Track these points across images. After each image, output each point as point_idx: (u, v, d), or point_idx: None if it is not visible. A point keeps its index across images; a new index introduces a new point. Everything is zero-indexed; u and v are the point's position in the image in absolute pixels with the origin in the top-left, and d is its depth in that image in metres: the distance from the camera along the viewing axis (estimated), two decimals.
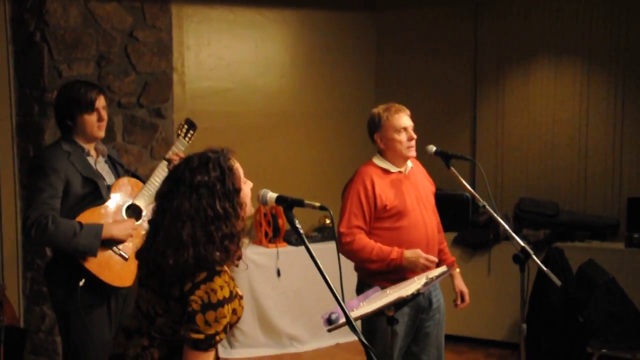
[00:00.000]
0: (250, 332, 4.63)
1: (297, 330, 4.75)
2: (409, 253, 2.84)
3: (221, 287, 1.77)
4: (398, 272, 2.84)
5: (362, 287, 2.94)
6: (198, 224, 1.77)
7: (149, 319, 1.88)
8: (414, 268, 2.83)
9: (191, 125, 3.07)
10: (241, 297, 1.94)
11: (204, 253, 1.77)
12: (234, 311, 1.87)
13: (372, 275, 2.92)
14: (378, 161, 3.00)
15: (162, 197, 1.85)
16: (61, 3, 4.15)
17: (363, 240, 2.88)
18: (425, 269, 2.83)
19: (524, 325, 2.79)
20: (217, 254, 1.79)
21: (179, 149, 2.98)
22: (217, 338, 1.79)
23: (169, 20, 4.59)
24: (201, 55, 4.89)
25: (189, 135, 3.05)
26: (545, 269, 2.73)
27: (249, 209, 1.91)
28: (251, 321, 4.61)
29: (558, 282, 2.72)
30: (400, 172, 2.99)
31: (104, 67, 4.32)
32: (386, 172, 2.97)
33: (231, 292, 1.81)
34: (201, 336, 1.76)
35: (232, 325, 1.90)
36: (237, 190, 1.84)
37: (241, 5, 5.03)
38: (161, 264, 1.80)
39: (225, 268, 1.84)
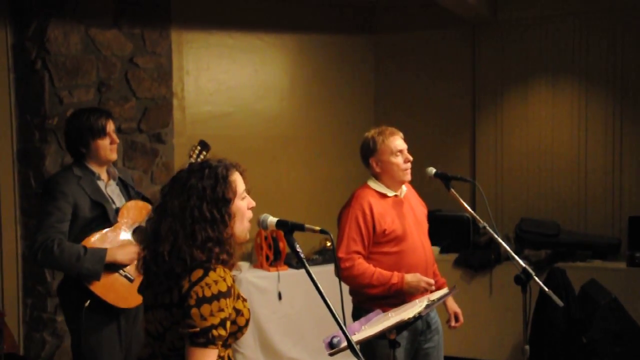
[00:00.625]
0: (252, 356, 4.60)
1: (298, 353, 4.72)
2: (409, 277, 2.83)
3: (215, 282, 1.79)
4: (397, 297, 2.83)
5: (359, 313, 2.90)
6: (180, 221, 1.82)
7: (160, 339, 1.88)
8: (415, 292, 2.83)
9: (204, 146, 3.13)
10: (245, 300, 1.94)
11: (184, 248, 1.80)
12: (239, 312, 1.87)
13: (371, 299, 2.89)
14: (374, 184, 2.98)
15: (160, 195, 1.92)
16: (62, 30, 4.19)
17: (362, 265, 2.86)
18: (425, 292, 2.82)
19: (527, 347, 2.77)
20: (199, 252, 1.81)
21: None
22: (215, 333, 1.78)
23: (169, 45, 4.63)
24: (201, 80, 4.93)
25: (200, 157, 3.10)
26: (547, 289, 2.72)
27: (245, 225, 1.92)
28: (252, 344, 4.58)
29: (560, 303, 2.71)
30: (396, 195, 2.99)
31: (104, 93, 4.35)
32: (383, 196, 2.96)
33: (229, 287, 1.81)
34: (196, 330, 1.77)
35: (240, 329, 1.89)
36: (227, 200, 1.86)
37: (240, 30, 5.08)
38: (153, 265, 1.85)
39: (222, 267, 1.84)
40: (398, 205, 2.97)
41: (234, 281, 1.87)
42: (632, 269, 4.43)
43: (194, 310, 1.76)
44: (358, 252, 2.87)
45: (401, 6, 5.51)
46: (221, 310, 1.78)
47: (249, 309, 1.95)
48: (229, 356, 1.95)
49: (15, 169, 4.28)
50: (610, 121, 4.92)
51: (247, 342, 4.56)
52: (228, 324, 1.83)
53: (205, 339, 1.77)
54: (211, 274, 1.80)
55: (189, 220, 1.82)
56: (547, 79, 5.10)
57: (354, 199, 2.96)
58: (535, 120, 5.14)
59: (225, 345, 1.91)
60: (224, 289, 1.80)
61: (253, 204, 1.96)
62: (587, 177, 4.97)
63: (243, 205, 1.92)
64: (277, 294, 4.65)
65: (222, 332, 1.80)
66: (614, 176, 4.89)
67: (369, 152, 2.98)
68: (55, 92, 4.19)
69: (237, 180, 1.91)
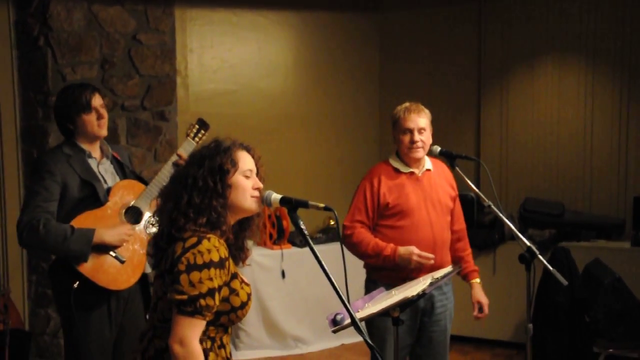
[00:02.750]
0: (255, 334, 4.62)
1: (302, 331, 4.75)
2: (402, 250, 2.85)
3: (209, 250, 1.80)
4: (400, 270, 2.86)
5: (367, 284, 2.99)
6: (175, 185, 1.91)
7: (154, 309, 1.90)
8: (407, 265, 2.84)
9: (203, 124, 3.04)
10: (245, 283, 1.94)
11: (174, 212, 1.86)
12: (233, 291, 1.87)
13: (378, 271, 2.95)
14: (392, 160, 3.04)
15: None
16: (65, 7, 4.16)
17: (362, 234, 2.93)
18: (420, 266, 2.82)
19: (530, 325, 2.78)
20: (180, 217, 1.85)
21: (187, 150, 2.93)
22: (202, 302, 1.78)
23: (172, 23, 4.59)
24: (204, 58, 4.89)
25: (199, 135, 3.02)
26: (551, 268, 2.71)
27: (248, 200, 1.94)
28: (256, 323, 4.61)
29: (564, 282, 2.71)
30: (412, 172, 2.99)
31: (107, 70, 4.32)
32: (397, 171, 3.00)
33: (222, 258, 1.83)
34: (184, 297, 1.77)
35: (234, 309, 1.88)
36: (224, 171, 1.89)
37: (244, 7, 5.03)
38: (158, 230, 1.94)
39: (217, 238, 1.86)
40: (412, 182, 2.98)
41: (229, 257, 1.87)
42: (636, 248, 4.42)
43: (183, 276, 1.78)
44: (361, 222, 2.95)
45: None
46: (210, 279, 1.79)
47: (248, 294, 1.93)
48: (221, 339, 1.93)
49: (19, 147, 4.28)
50: (616, 101, 4.88)
51: (251, 320, 4.58)
52: (217, 296, 1.82)
53: (192, 307, 1.78)
54: (204, 242, 1.82)
55: (181, 185, 1.88)
56: (553, 58, 5.05)
57: (368, 172, 3.06)
58: (541, 100, 5.10)
59: (217, 325, 1.89)
60: (215, 258, 1.81)
61: (259, 185, 1.96)
62: (593, 157, 4.95)
63: (244, 181, 1.93)
64: (280, 273, 4.66)
65: (210, 302, 1.80)
66: (620, 156, 4.86)
67: (392, 125, 3.05)
68: (58, 69, 4.17)
69: (242, 158, 1.94)
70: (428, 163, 3.05)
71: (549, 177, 5.08)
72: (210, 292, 1.79)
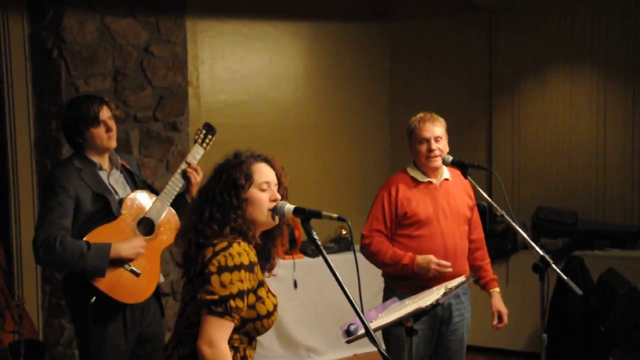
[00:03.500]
0: (268, 344, 4.62)
1: (314, 341, 4.73)
2: (420, 259, 2.88)
3: (239, 254, 1.85)
4: (415, 279, 2.86)
5: (385, 292, 3.02)
6: (200, 199, 1.97)
7: (180, 316, 1.94)
8: (425, 273, 2.85)
9: (209, 129, 3.00)
10: (271, 293, 1.96)
11: (194, 225, 1.92)
12: (260, 298, 1.89)
13: (396, 280, 2.97)
14: (410, 170, 3.07)
15: None
16: (78, 19, 4.20)
17: (380, 243, 2.96)
18: (438, 275, 2.82)
19: (545, 335, 2.76)
20: (207, 230, 1.89)
21: (195, 157, 2.93)
22: (232, 303, 1.80)
23: (184, 34, 4.62)
24: (216, 69, 4.92)
25: (207, 140, 2.99)
26: (565, 278, 2.70)
27: (264, 214, 1.96)
28: (268, 333, 4.52)
29: (579, 292, 2.70)
30: (430, 182, 3.00)
31: (120, 82, 4.36)
32: (415, 181, 3.02)
33: (252, 262, 1.86)
34: (215, 297, 1.80)
35: (260, 317, 1.89)
36: (238, 186, 1.91)
37: (255, 18, 5.06)
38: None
39: (247, 244, 1.90)
40: (430, 192, 3.00)
41: (257, 263, 1.90)
42: None
43: (214, 277, 1.81)
44: (379, 231, 2.98)
45: None
46: (241, 281, 1.82)
47: (274, 304, 1.95)
48: (245, 351, 1.93)
49: (33, 157, 4.31)
50: (628, 109, 4.85)
51: None
52: (246, 299, 1.84)
53: (222, 308, 1.80)
54: (235, 245, 1.86)
55: (203, 199, 1.94)
56: (564, 67, 5.04)
57: (387, 181, 3.10)
58: (553, 109, 5.08)
59: (242, 333, 1.89)
60: (246, 261, 1.85)
61: (276, 197, 1.98)
62: (605, 165, 4.91)
63: (260, 195, 1.94)
64: (292, 282, 4.66)
65: (240, 304, 1.82)
66: (633, 164, 4.83)
67: (408, 136, 3.08)
68: (71, 80, 4.20)
69: (258, 170, 1.96)
70: (446, 172, 3.06)
71: (561, 186, 5.06)
72: (240, 294, 1.82)
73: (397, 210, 2.96)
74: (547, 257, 2.71)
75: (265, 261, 2.03)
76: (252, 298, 1.87)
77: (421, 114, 3.08)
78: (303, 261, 4.73)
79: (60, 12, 4.16)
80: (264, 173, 1.97)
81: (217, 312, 1.80)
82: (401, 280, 2.94)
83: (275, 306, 1.95)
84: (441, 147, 2.98)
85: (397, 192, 2.98)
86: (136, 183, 2.94)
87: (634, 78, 4.82)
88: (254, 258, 1.89)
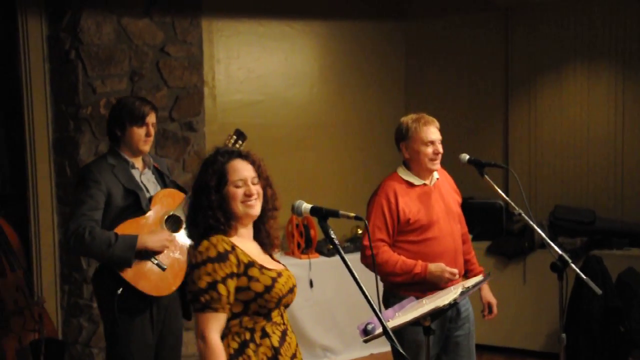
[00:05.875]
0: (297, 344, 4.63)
1: (330, 340, 4.73)
2: (433, 267, 2.83)
3: (207, 249, 1.98)
4: (426, 284, 2.83)
5: (387, 298, 2.93)
6: (192, 198, 2.12)
7: None
8: (439, 282, 2.82)
9: (240, 135, 3.13)
10: (269, 269, 2.05)
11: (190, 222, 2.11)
12: (252, 278, 1.98)
13: (399, 286, 2.91)
14: (402, 173, 2.99)
15: None
16: (94, 21, 4.23)
17: (387, 253, 2.88)
18: (449, 282, 2.80)
19: (564, 335, 2.74)
20: (193, 228, 2.09)
21: None
22: (206, 296, 1.93)
23: (199, 34, 4.64)
24: (231, 69, 4.94)
25: (237, 146, 3.10)
26: (584, 277, 2.67)
27: (240, 208, 2.06)
28: None
29: (599, 291, 2.67)
30: (424, 184, 2.97)
31: (136, 82, 4.38)
32: (410, 185, 2.96)
33: (219, 252, 1.97)
34: (190, 295, 1.98)
35: (260, 294, 1.98)
36: (208, 187, 2.05)
37: (270, 17, 5.07)
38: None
39: (219, 236, 2.02)
40: (426, 194, 2.96)
41: (232, 250, 1.99)
42: None
43: (189, 277, 1.99)
44: (382, 240, 2.90)
45: None
46: (208, 274, 1.94)
47: (272, 277, 2.01)
48: (263, 329, 2.00)
49: (51, 158, 4.35)
50: None
51: None
52: (222, 287, 1.93)
53: (198, 303, 1.93)
54: (203, 242, 2.00)
55: (192, 198, 2.11)
56: (581, 64, 4.99)
57: (381, 188, 2.98)
58: (570, 106, 5.04)
59: (251, 314, 1.98)
60: (213, 254, 1.96)
61: (250, 192, 2.07)
62: (624, 163, 4.86)
63: (234, 192, 2.05)
64: (308, 282, 4.66)
65: (214, 295, 1.92)
66: None
67: (401, 136, 2.99)
68: (88, 81, 4.24)
69: (233, 169, 2.07)
70: (436, 172, 3.02)
71: (579, 184, 5.01)
72: (211, 286, 1.93)
73: (399, 218, 2.88)
74: (565, 256, 2.69)
75: (266, 239, 2.15)
76: (243, 281, 1.98)
77: (415, 115, 2.99)
78: (319, 260, 4.73)
79: (78, 14, 4.20)
80: (238, 170, 2.08)
81: (196, 308, 1.94)
82: (407, 286, 2.86)
83: (274, 278, 2.03)
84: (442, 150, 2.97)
85: (397, 199, 2.90)
86: (166, 183, 3.04)
87: None
88: (225, 247, 1.98)
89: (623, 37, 4.83)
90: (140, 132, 2.90)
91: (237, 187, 2.05)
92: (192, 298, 1.96)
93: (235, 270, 1.97)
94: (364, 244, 2.90)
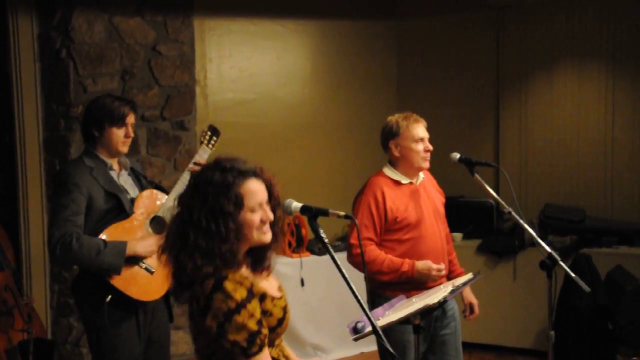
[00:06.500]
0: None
1: (321, 339, 4.74)
2: (420, 265, 2.83)
3: (234, 290, 1.73)
4: (412, 283, 2.83)
5: (373, 298, 2.92)
6: (182, 225, 1.79)
7: (194, 343, 1.85)
8: (426, 280, 2.82)
9: (214, 131, 3.04)
10: (278, 298, 1.88)
11: (177, 254, 1.77)
12: (267, 313, 1.81)
13: (385, 285, 2.90)
14: (389, 172, 2.99)
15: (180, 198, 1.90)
16: (86, 19, 4.22)
17: (374, 252, 2.87)
18: (437, 279, 2.82)
19: (552, 333, 2.76)
20: (189, 264, 1.76)
21: (202, 157, 2.96)
22: (259, 339, 1.74)
23: (191, 33, 4.64)
24: (223, 67, 4.94)
25: (212, 142, 3.03)
26: (573, 275, 2.69)
27: (255, 235, 1.84)
28: None
29: (587, 289, 2.69)
30: (411, 183, 2.98)
31: (128, 81, 4.38)
32: (397, 183, 2.96)
33: (248, 289, 1.75)
34: (243, 343, 1.73)
35: (273, 329, 1.84)
36: (225, 213, 1.76)
37: (262, 16, 5.07)
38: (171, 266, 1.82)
39: (233, 273, 1.77)
40: (413, 193, 2.97)
41: (251, 287, 1.78)
42: None
43: (227, 325, 1.71)
44: (370, 239, 2.89)
45: None
46: (252, 315, 1.74)
47: (282, 307, 1.88)
48: (273, 357, 1.86)
49: (42, 157, 4.34)
50: (637, 105, 4.83)
51: None
52: (265, 321, 1.79)
53: (255, 346, 1.74)
54: (227, 284, 1.74)
55: (187, 225, 1.77)
56: (573, 64, 5.02)
57: (367, 187, 2.97)
58: (561, 106, 5.07)
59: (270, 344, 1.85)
60: (244, 294, 1.74)
61: (269, 217, 1.85)
62: (614, 162, 4.89)
63: (251, 218, 1.81)
64: (299, 281, 4.67)
65: (264, 331, 1.77)
66: None
67: (390, 135, 2.98)
68: (79, 80, 4.23)
69: (248, 191, 1.81)
70: (421, 172, 3.03)
71: (569, 183, 5.04)
72: (259, 323, 1.76)
73: (386, 216, 2.87)
74: (554, 254, 2.70)
75: (260, 262, 1.91)
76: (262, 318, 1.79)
77: (403, 114, 3.00)
78: (310, 259, 4.73)
79: (69, 13, 4.19)
80: (254, 193, 1.81)
81: (253, 352, 1.73)
82: (393, 285, 2.86)
83: (284, 308, 1.89)
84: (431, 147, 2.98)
85: (384, 198, 2.89)
86: (142, 184, 2.97)
87: None
88: (246, 282, 1.77)
89: (613, 37, 4.86)
90: (119, 133, 2.79)
91: (253, 211, 1.81)
92: (247, 345, 1.71)
93: (259, 305, 1.78)
94: (351, 243, 2.89)
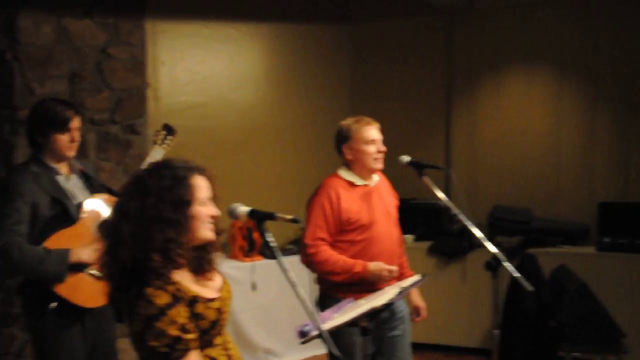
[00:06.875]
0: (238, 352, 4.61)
1: (273, 343, 4.74)
2: (372, 265, 2.87)
3: (157, 296, 1.73)
4: (362, 284, 2.87)
5: (324, 300, 2.94)
6: (138, 223, 1.78)
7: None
8: (378, 280, 2.86)
9: (169, 130, 2.99)
10: (212, 299, 1.86)
11: (143, 253, 1.76)
12: (199, 316, 1.80)
13: (336, 287, 2.93)
14: (344, 173, 3.03)
15: (120, 195, 1.89)
16: (33, 21, 4.14)
17: (327, 252, 2.90)
18: (389, 280, 2.86)
19: (497, 332, 2.83)
20: (156, 257, 1.76)
21: (155, 158, 2.91)
22: (182, 343, 1.74)
23: (143, 36, 4.59)
24: (175, 71, 4.90)
25: (166, 141, 2.99)
26: (515, 274, 2.76)
27: (203, 231, 1.85)
28: None
29: (529, 287, 2.76)
30: (366, 185, 3.02)
31: (76, 84, 4.31)
32: (352, 184, 3.00)
33: (173, 294, 1.75)
34: (164, 348, 1.73)
35: (206, 331, 1.83)
36: (185, 202, 1.80)
37: (215, 20, 5.05)
38: (107, 265, 1.81)
39: (159, 280, 1.77)
40: (366, 195, 3.00)
41: (175, 289, 1.78)
42: (601, 253, 4.53)
43: (146, 333, 1.72)
44: (323, 239, 2.92)
45: None
46: (173, 322, 1.73)
47: (217, 308, 1.86)
48: (209, 356, 1.86)
49: None
50: (584, 109, 4.99)
51: None
52: (191, 327, 1.78)
53: (177, 351, 1.74)
54: (148, 290, 1.74)
55: (147, 222, 1.77)
56: (521, 67, 5.16)
57: (322, 188, 3.01)
58: (510, 109, 5.20)
59: (203, 345, 1.84)
60: (168, 300, 1.74)
61: (215, 212, 1.87)
62: (560, 164, 5.05)
63: (203, 211, 1.84)
64: (250, 285, 4.65)
65: (188, 336, 1.75)
66: (586, 163, 4.96)
67: (343, 139, 3.02)
68: (25, 83, 4.14)
69: (198, 185, 1.84)
70: (375, 175, 3.08)
71: (517, 185, 5.17)
72: (182, 329, 1.75)
73: (340, 217, 2.91)
74: (498, 254, 2.77)
75: (201, 264, 1.89)
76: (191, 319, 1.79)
77: (355, 117, 3.05)
78: (262, 263, 4.73)
79: (14, 14, 4.10)
80: (203, 188, 1.86)
81: (174, 357, 1.73)
82: (344, 287, 2.88)
83: (219, 309, 1.87)
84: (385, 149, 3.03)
85: (338, 198, 2.92)
86: (94, 187, 2.91)
87: (589, 78, 4.95)
88: (171, 288, 1.76)
89: (560, 42, 5.01)
90: (64, 138, 2.73)
91: (203, 205, 1.84)
92: (168, 350, 1.71)
93: (188, 312, 1.78)
94: (304, 243, 2.92)
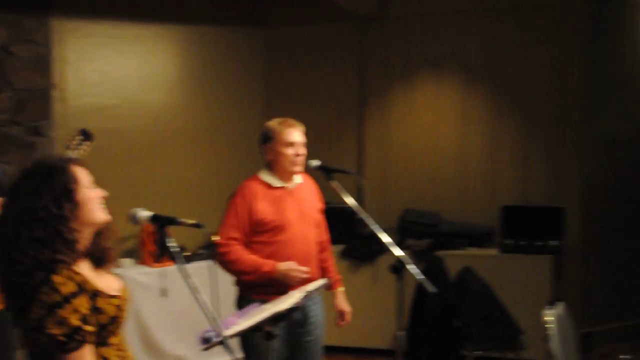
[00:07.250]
0: (133, 354, 4.49)
1: (183, 350, 4.66)
2: (282, 265, 2.90)
3: (63, 283, 1.73)
4: (277, 286, 2.89)
5: (241, 301, 2.98)
6: (8, 225, 1.77)
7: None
8: (287, 280, 2.89)
9: (86, 136, 2.93)
10: (114, 296, 1.86)
11: (12, 254, 1.74)
12: (99, 310, 1.80)
13: (252, 288, 2.96)
14: (263, 175, 3.06)
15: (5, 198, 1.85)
16: None
17: (238, 252, 2.93)
18: (301, 281, 2.89)
19: (400, 333, 2.91)
20: (23, 257, 1.74)
21: None
22: (80, 336, 1.73)
23: (48, 34, 4.43)
24: (83, 71, 4.75)
25: (82, 146, 2.92)
26: (419, 277, 2.85)
27: (96, 211, 1.85)
28: (134, 343, 4.47)
29: (432, 289, 2.86)
30: (283, 187, 3.05)
31: None
32: (269, 186, 3.03)
33: (78, 284, 1.75)
34: (56, 339, 1.71)
35: (105, 326, 1.83)
36: (69, 190, 1.80)
37: (126, 20, 4.94)
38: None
39: (65, 270, 1.77)
40: (283, 196, 3.03)
41: (81, 280, 1.79)
42: (503, 255, 4.74)
43: (46, 319, 1.70)
44: (235, 239, 2.95)
45: (293, 0, 5.57)
46: (75, 311, 1.72)
47: (117, 305, 1.86)
48: (103, 357, 1.85)
49: None
50: (489, 116, 5.19)
51: (128, 341, 4.44)
52: (92, 319, 1.77)
53: (75, 342, 1.72)
54: (54, 277, 1.73)
55: (15, 223, 1.76)
56: (431, 75, 5.32)
57: (238, 189, 3.04)
58: (420, 114, 5.35)
59: (98, 342, 1.83)
60: (73, 288, 1.74)
61: (104, 193, 1.89)
62: (467, 168, 5.24)
63: (91, 193, 1.85)
64: (159, 291, 4.56)
65: (88, 328, 1.75)
66: (490, 168, 5.18)
67: (266, 139, 3.06)
68: None
69: (79, 172, 1.86)
70: (298, 177, 3.11)
71: (427, 189, 5.32)
72: (84, 320, 1.74)
73: (252, 218, 2.95)
74: (403, 257, 2.85)
75: (101, 254, 1.90)
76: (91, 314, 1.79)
77: (280, 119, 3.10)
78: (173, 269, 4.64)
79: None
80: (84, 173, 1.87)
81: (72, 347, 1.72)
82: (258, 288, 2.93)
83: (119, 306, 1.87)
84: (305, 152, 3.06)
85: (252, 199, 2.97)
86: (3, 190, 2.79)
87: (494, 87, 5.18)
88: (78, 278, 1.77)
89: (467, 52, 5.21)
90: None
91: (90, 188, 1.85)
92: (65, 339, 1.70)
93: (90, 302, 1.78)
94: (217, 242, 2.95)
